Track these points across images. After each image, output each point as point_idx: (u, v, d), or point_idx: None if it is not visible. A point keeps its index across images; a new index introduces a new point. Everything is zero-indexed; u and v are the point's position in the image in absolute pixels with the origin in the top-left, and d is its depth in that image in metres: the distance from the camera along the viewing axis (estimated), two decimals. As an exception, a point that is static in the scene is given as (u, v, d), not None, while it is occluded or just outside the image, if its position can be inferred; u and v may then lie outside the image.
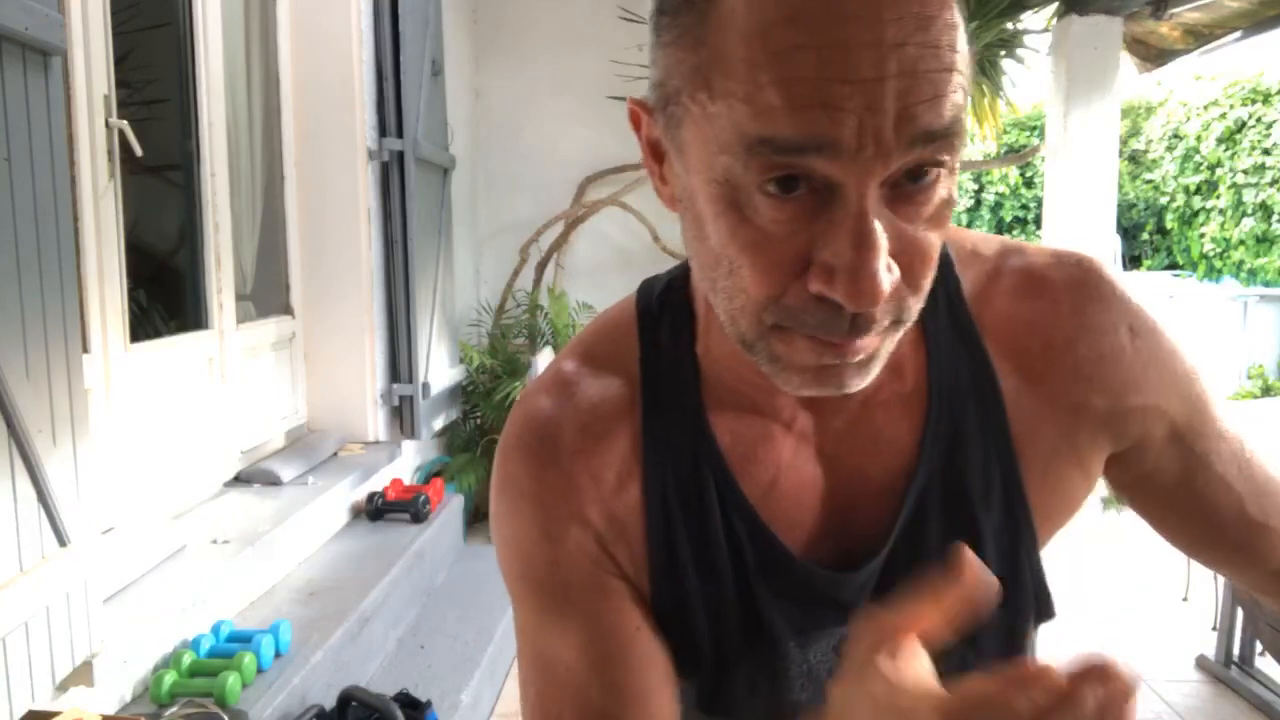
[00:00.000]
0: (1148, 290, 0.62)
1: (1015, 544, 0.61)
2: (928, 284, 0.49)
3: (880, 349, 0.50)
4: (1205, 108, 8.82)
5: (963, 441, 0.60)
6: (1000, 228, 9.77)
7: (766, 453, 0.61)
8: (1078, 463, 0.62)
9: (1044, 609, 0.64)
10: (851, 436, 0.60)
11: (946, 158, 0.46)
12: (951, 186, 0.48)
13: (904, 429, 0.60)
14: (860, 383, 0.51)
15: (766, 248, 0.47)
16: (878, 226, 0.44)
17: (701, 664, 0.62)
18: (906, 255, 0.47)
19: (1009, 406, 0.60)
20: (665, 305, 0.63)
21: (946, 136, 0.44)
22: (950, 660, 0.56)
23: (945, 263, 0.60)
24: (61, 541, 1.48)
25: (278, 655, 1.94)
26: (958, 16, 0.45)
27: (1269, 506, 0.64)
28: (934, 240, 0.48)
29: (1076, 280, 0.60)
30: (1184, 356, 0.62)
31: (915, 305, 0.49)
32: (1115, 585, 3.53)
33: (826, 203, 0.45)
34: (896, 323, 0.49)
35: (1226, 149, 8.58)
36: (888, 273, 0.45)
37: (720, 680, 0.62)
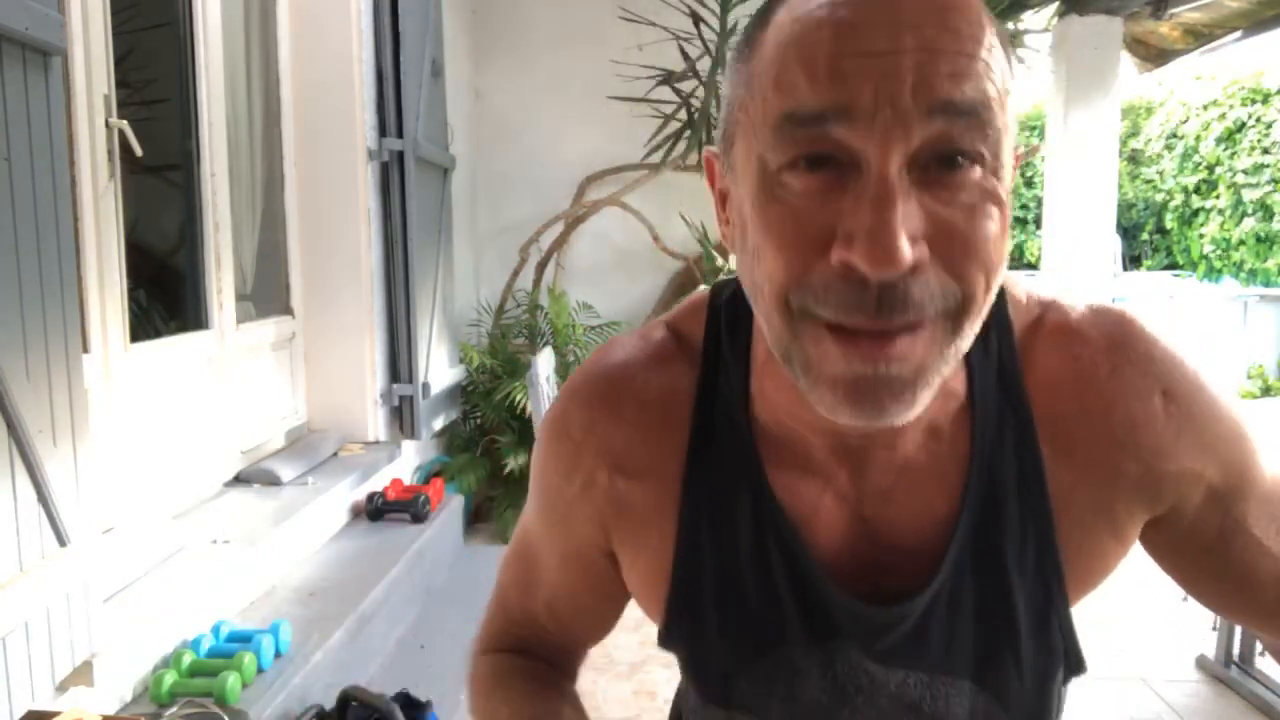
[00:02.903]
0: (1186, 348, 0.61)
1: (1047, 606, 0.61)
2: (975, 277, 0.48)
3: (926, 364, 0.48)
4: (1205, 108, 8.81)
5: (1001, 507, 0.60)
6: (1000, 228, 9.75)
7: (806, 494, 0.62)
8: (1112, 528, 0.62)
9: (1073, 665, 0.64)
10: (890, 500, 0.61)
11: (978, 146, 0.46)
12: (996, 184, 0.48)
13: (942, 493, 0.60)
14: (902, 410, 0.49)
15: (791, 223, 0.48)
16: (899, 195, 0.45)
17: (710, 660, 0.65)
18: (943, 239, 0.46)
19: (1049, 471, 0.60)
20: (731, 322, 0.65)
21: (968, 114, 0.45)
22: (978, 714, 0.62)
23: (1003, 318, 0.61)
24: (61, 541, 1.47)
25: (278, 655, 1.94)
26: (989, 25, 0.48)
27: None
28: (977, 230, 0.47)
29: (1114, 340, 0.60)
30: (1223, 419, 0.60)
31: (963, 301, 0.48)
32: (1115, 585, 3.53)
33: (852, 178, 0.46)
34: (943, 320, 0.48)
35: (1226, 149, 8.58)
36: (911, 243, 0.45)
37: (734, 678, 0.65)
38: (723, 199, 0.57)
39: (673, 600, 0.65)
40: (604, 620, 0.76)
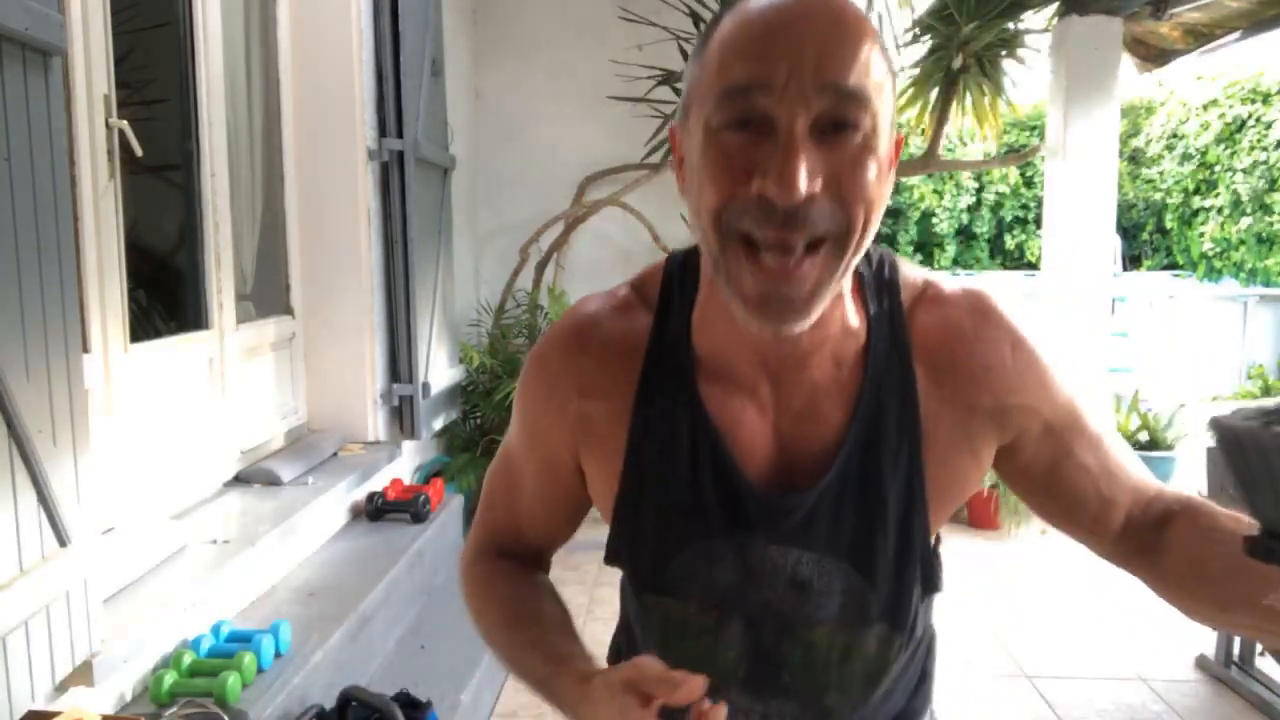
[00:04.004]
0: (1031, 319, 0.80)
1: (910, 509, 0.77)
2: (856, 208, 0.64)
3: (820, 282, 0.65)
4: (1205, 107, 8.82)
5: (882, 424, 0.76)
6: (1000, 227, 9.77)
7: (733, 407, 0.78)
8: (970, 451, 0.79)
9: (930, 580, 0.81)
10: (799, 414, 0.77)
11: (860, 117, 0.64)
12: (875, 143, 0.65)
13: (840, 410, 0.77)
14: (799, 320, 0.66)
15: (724, 163, 0.65)
16: (802, 146, 0.62)
17: (646, 548, 0.81)
18: (833, 180, 0.64)
19: (921, 401, 0.77)
20: (682, 276, 0.82)
21: (850, 94, 0.63)
22: (852, 597, 0.79)
23: (893, 284, 0.79)
24: (61, 541, 1.47)
25: (278, 655, 1.94)
26: (869, 39, 0.65)
27: (1116, 487, 0.81)
28: (859, 174, 0.64)
29: (976, 307, 0.78)
30: (1055, 371, 0.79)
31: (847, 227, 0.64)
32: (1115, 585, 3.53)
33: (769, 137, 0.64)
34: (831, 243, 0.65)
35: (1226, 148, 8.59)
36: (809, 178, 0.62)
37: (664, 563, 0.80)
38: (680, 164, 0.73)
39: (620, 498, 0.81)
40: (570, 523, 0.93)
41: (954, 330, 0.77)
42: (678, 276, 0.82)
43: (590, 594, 3.29)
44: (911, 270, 0.81)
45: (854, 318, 0.76)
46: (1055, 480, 0.80)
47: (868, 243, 0.67)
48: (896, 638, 0.81)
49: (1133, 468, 0.83)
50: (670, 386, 0.78)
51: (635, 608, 0.86)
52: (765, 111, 0.63)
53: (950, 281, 0.80)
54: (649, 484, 0.79)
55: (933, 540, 0.80)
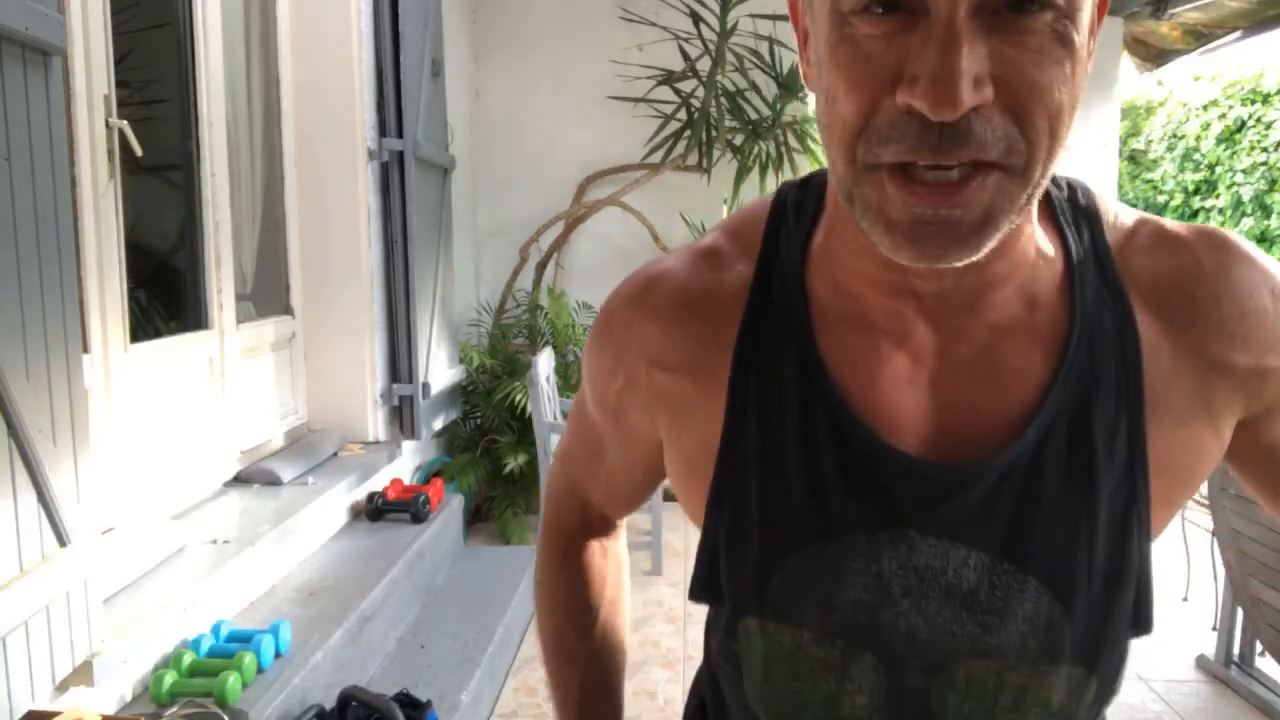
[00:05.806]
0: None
1: (1130, 506, 0.58)
2: (1038, 122, 0.47)
3: (995, 207, 0.49)
4: (1205, 108, 8.82)
5: (1097, 385, 0.57)
6: (1000, 228, 9.78)
7: (871, 360, 0.59)
8: (1210, 422, 0.59)
9: (1143, 614, 0.60)
10: (974, 365, 0.58)
11: None
12: (1068, 28, 0.47)
13: (1035, 362, 0.58)
14: (964, 252, 0.50)
15: (861, 63, 0.48)
16: (964, 39, 0.45)
17: (746, 554, 0.62)
18: (1010, 83, 0.46)
19: (1146, 358, 0.58)
20: (799, 202, 0.65)
21: None
22: (1036, 625, 0.58)
23: (1094, 214, 0.61)
24: (61, 541, 1.47)
25: (278, 655, 1.94)
26: None
27: None
28: (1042, 74, 0.47)
29: (1217, 243, 0.59)
30: None
31: (1027, 148, 0.48)
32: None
33: (921, 21, 0.47)
34: (1004, 170, 0.48)
35: (1226, 149, 8.59)
36: (976, 85, 0.45)
37: (769, 573, 0.61)
38: (804, 38, 0.56)
39: (715, 490, 0.63)
40: (647, 493, 0.81)
41: (1191, 272, 0.58)
42: (790, 205, 0.65)
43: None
44: (1113, 203, 0.63)
45: (1049, 247, 0.59)
46: None
47: (1053, 168, 0.50)
48: (1091, 686, 0.60)
49: None
50: (778, 345, 0.61)
51: (725, 641, 0.65)
52: None
53: (1171, 221, 0.62)
54: (751, 471, 0.61)
55: (1151, 551, 0.60)
